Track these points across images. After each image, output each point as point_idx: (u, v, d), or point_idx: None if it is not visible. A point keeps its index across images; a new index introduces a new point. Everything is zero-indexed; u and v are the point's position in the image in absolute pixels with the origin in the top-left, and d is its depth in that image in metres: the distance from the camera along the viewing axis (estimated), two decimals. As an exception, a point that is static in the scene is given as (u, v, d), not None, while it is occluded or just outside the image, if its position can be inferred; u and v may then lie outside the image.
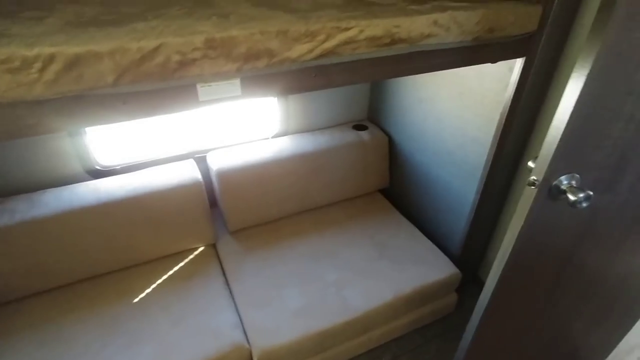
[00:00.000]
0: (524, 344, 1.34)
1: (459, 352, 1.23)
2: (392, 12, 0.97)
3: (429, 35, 0.95)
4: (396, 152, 2.09)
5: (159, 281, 1.59)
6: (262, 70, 0.88)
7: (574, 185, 0.84)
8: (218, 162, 1.74)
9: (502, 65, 1.26)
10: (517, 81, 1.25)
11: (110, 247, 1.55)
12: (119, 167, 1.70)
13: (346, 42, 0.87)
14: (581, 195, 0.83)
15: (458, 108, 1.57)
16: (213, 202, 1.89)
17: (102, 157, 1.68)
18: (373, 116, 2.20)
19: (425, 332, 1.76)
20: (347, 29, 0.86)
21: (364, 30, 0.87)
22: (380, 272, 1.64)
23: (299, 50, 0.85)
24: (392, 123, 2.05)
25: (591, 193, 0.84)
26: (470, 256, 1.83)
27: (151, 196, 1.57)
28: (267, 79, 0.91)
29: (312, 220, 1.95)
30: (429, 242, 1.80)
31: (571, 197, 0.83)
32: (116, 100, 0.78)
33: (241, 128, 1.97)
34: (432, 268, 1.67)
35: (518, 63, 1.23)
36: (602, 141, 0.84)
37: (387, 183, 2.16)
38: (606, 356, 1.67)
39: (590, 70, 0.71)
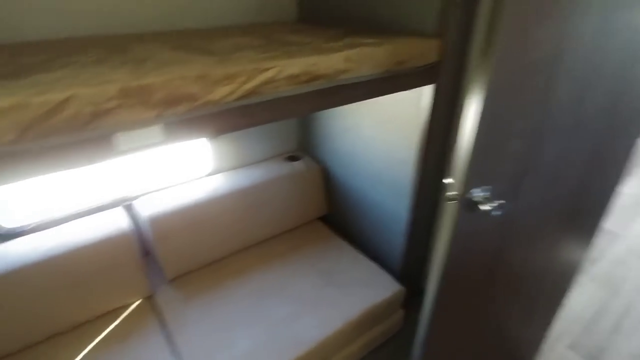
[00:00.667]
0: (471, 348, 1.41)
1: (411, 367, 1.26)
2: (309, 50, 1.03)
3: (344, 71, 1.02)
4: (331, 178, 2.14)
5: (89, 348, 1.43)
6: (184, 115, 0.87)
7: (487, 196, 0.93)
8: (149, 208, 1.65)
9: (414, 92, 1.38)
10: (428, 106, 1.37)
11: (26, 319, 1.37)
12: (30, 226, 1.53)
13: (267, 82, 0.90)
14: (494, 204, 0.92)
15: (381, 133, 1.67)
16: (146, 251, 1.77)
17: (7, 217, 1.50)
18: (305, 146, 2.25)
19: (378, 353, 1.78)
20: (266, 70, 0.89)
21: (283, 70, 0.91)
22: (328, 300, 1.64)
23: (220, 92, 0.86)
24: (324, 151, 2.12)
25: (503, 201, 0.93)
26: (411, 271, 1.91)
27: (73, 254, 1.43)
28: (191, 123, 0.90)
29: (256, 256, 1.90)
30: (372, 263, 1.85)
31: (486, 207, 0.92)
32: (22, 157, 0.72)
33: (171, 169, 1.89)
34: (377, 288, 1.71)
35: (428, 89, 1.36)
36: (504, 154, 0.94)
37: (326, 210, 2.19)
38: (541, 346, 1.81)
39: (485, 93, 0.81)
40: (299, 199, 2.05)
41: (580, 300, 2.27)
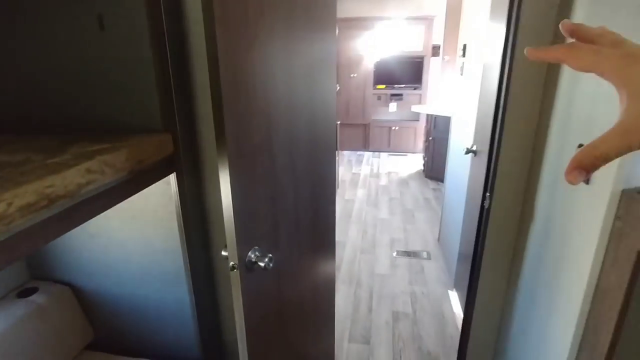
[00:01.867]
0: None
1: None
2: (34, 172, 0.92)
3: (87, 184, 0.98)
4: (90, 298, 1.83)
5: None
6: None
7: (259, 256, 1.11)
8: None
9: (161, 182, 1.43)
10: (176, 191, 1.46)
11: None
12: None
13: (-5, 221, 0.76)
14: (266, 259, 1.11)
15: (136, 229, 1.61)
16: None
17: None
18: (42, 271, 1.83)
19: None
20: (-11, 208, 0.75)
21: (14, 201, 0.79)
22: None
23: None
24: (70, 269, 1.80)
25: (270, 255, 1.14)
26: (216, 350, 1.88)
27: None
28: None
29: None
30: (169, 364, 1.71)
31: (261, 264, 1.10)
32: None
33: None
34: (185, 387, 1.60)
35: (172, 177, 1.45)
36: (258, 217, 1.16)
37: (92, 335, 1.85)
38: (334, 351, 2.17)
39: (228, 172, 0.98)
40: (51, 339, 1.65)
41: (341, 301, 2.85)
